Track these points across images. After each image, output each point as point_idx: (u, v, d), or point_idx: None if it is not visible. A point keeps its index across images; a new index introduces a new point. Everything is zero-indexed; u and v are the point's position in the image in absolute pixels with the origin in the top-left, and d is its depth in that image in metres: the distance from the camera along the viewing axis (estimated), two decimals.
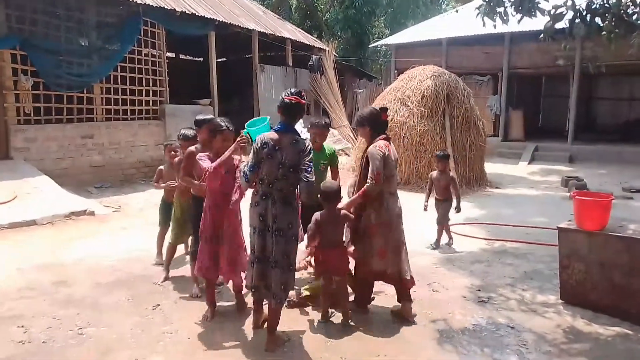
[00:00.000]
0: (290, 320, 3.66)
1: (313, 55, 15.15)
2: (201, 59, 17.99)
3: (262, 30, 13.03)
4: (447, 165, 6.03)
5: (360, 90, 17.48)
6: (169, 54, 12.66)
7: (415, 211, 7.79)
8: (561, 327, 3.65)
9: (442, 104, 9.84)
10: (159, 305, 4.00)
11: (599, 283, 3.86)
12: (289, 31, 14.96)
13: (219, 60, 13.51)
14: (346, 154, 13.18)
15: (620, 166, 12.66)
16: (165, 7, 9.75)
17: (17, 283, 4.45)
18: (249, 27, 12.55)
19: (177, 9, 10.00)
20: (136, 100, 9.95)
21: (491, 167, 11.53)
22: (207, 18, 10.94)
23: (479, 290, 4.42)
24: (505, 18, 5.16)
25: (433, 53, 15.70)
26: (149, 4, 9.31)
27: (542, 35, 4.53)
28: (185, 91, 12.83)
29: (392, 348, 3.31)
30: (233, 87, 14.96)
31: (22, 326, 3.59)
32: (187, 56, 18.23)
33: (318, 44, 15.99)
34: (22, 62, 8.06)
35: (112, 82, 9.43)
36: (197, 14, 10.59)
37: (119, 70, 9.46)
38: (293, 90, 3.50)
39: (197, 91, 13.19)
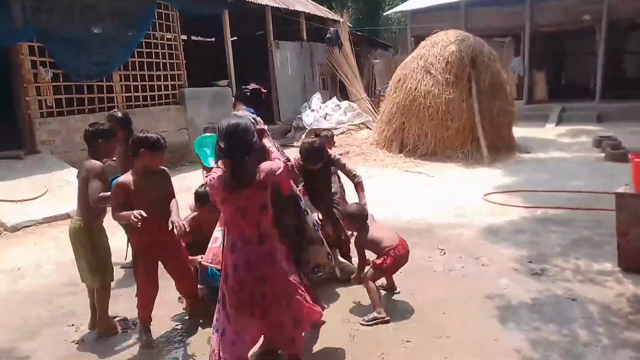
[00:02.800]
0: None
1: (330, 28, 14.76)
2: (213, 39, 17.76)
3: (275, 6, 12.69)
4: None
5: (376, 61, 17.05)
6: (169, 36, 12.46)
7: (451, 182, 7.60)
8: (624, 296, 3.50)
9: (467, 70, 9.49)
10: None
11: None
12: (302, 4, 14.57)
13: (231, 39, 13.25)
14: (367, 127, 12.96)
15: None
16: None
17: (61, 278, 4.44)
18: (262, 3, 12.22)
19: None
20: (155, 86, 9.83)
21: (518, 132, 11.18)
22: None
23: (530, 262, 4.27)
24: None
25: (451, 17, 15.13)
26: None
27: None
28: (200, 73, 12.65)
29: (454, 327, 3.21)
30: (247, 65, 14.72)
31: (73, 324, 3.57)
32: (199, 37, 17.96)
33: (332, 15, 15.57)
34: (40, 54, 7.97)
35: (130, 69, 9.31)
36: None
37: (136, 56, 9.33)
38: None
39: (212, 72, 13.00)
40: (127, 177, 3.03)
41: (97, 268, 3.23)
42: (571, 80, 18.50)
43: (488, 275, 4.03)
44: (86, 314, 3.55)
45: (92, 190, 3.10)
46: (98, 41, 8.64)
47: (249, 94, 3.34)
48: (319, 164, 3.97)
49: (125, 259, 4.18)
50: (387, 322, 3.32)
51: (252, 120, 2.86)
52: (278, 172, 2.53)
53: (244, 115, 3.03)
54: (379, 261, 3.46)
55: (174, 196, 3.18)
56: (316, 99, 13.68)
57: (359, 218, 3.59)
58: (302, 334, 2.80)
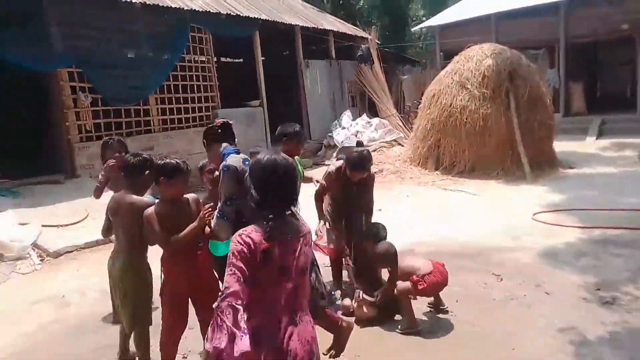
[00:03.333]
0: None
1: (362, 45, 14.72)
2: (241, 60, 17.97)
3: (304, 25, 12.74)
4: None
5: (404, 77, 16.90)
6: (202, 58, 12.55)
7: (494, 200, 7.31)
8: None
9: (505, 84, 9.23)
10: None
11: None
12: (330, 23, 14.61)
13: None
14: (399, 144, 12.76)
15: None
16: (211, 10, 9.63)
17: (106, 307, 4.27)
18: (292, 23, 12.29)
19: (222, 12, 9.86)
20: (189, 108, 9.91)
21: (557, 146, 10.79)
22: (251, 18, 10.76)
23: (598, 289, 3.97)
24: None
25: (481, 30, 14.90)
26: (195, 10, 9.20)
27: None
28: (229, 94, 12.74)
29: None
30: (276, 85, 14.78)
31: None
32: (227, 59, 18.21)
33: (360, 32, 15.54)
34: (79, 80, 8.12)
35: (165, 92, 9.41)
36: (241, 14, 10.42)
37: (171, 80, 9.43)
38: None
39: (241, 93, 13.08)
40: (152, 207, 2.80)
41: (140, 312, 3.00)
42: (606, 91, 17.94)
43: (554, 305, 3.76)
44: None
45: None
46: (134, 65, 8.78)
47: (219, 130, 3.06)
48: (366, 172, 3.84)
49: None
50: (419, 332, 3.42)
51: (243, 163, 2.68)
52: None
53: (229, 154, 2.85)
54: (415, 278, 3.43)
55: None
56: (346, 116, 13.58)
57: (393, 256, 3.62)
58: None
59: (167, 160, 2.79)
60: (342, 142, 12.61)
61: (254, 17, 10.89)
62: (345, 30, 14.84)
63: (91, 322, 4.06)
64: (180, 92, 9.72)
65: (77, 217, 6.77)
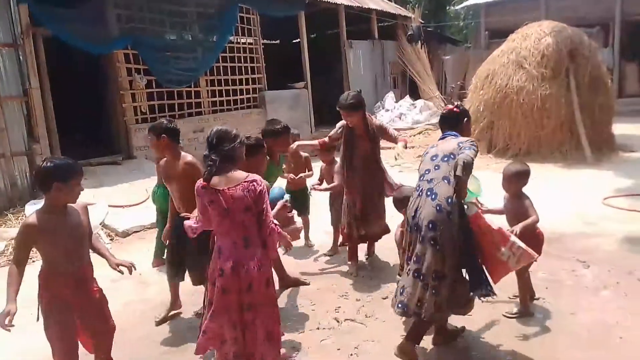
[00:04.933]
0: None
1: (412, 24, 14.38)
2: (278, 41, 17.83)
3: (349, 4, 12.48)
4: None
5: (447, 57, 16.47)
6: (250, 40, 12.55)
7: (554, 185, 7.11)
8: None
9: (565, 63, 8.85)
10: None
11: None
12: (374, 2, 14.28)
13: (296, 40, 13.13)
14: None
15: None
16: None
17: (186, 286, 4.40)
18: (337, 2, 12.05)
19: None
20: (237, 90, 9.90)
21: (614, 128, 10.37)
22: None
23: None
24: None
25: (530, 7, 14.32)
26: None
27: None
28: (273, 76, 12.68)
29: (633, 356, 2.84)
30: (318, 65, 14.62)
31: None
32: (264, 40, 18.10)
33: (403, 12, 15.17)
34: (134, 62, 8.18)
35: (215, 74, 9.41)
36: None
37: (220, 61, 9.41)
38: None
39: (284, 75, 12.99)
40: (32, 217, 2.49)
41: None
42: None
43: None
44: None
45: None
46: (186, 47, 8.81)
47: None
48: (350, 112, 4.07)
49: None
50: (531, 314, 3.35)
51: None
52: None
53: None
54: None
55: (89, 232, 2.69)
56: (390, 98, 13.36)
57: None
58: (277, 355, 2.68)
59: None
60: (387, 124, 12.43)
61: None
62: (390, 10, 14.50)
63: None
64: (229, 74, 9.70)
65: (139, 198, 6.87)
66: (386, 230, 4.42)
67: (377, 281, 4.19)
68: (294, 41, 13.58)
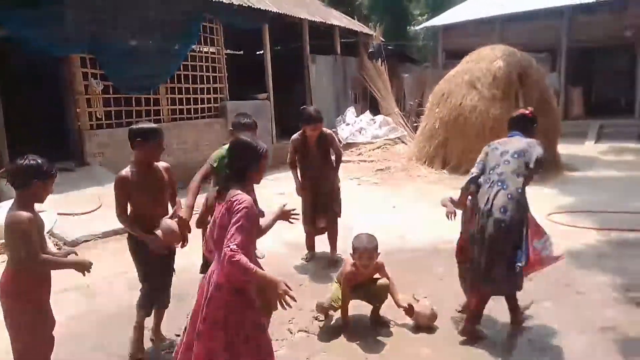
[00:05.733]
0: None
1: (373, 42, 14.73)
2: (241, 52, 17.83)
3: (312, 19, 12.69)
4: None
5: (406, 75, 16.97)
6: (212, 49, 12.41)
7: None
8: None
9: (515, 85, 9.34)
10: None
11: None
12: (337, 18, 14.57)
13: (260, 52, 13.19)
14: (403, 142, 12.82)
15: None
16: (224, 0, 9.52)
17: (135, 297, 4.32)
18: (301, 17, 12.23)
19: (234, 2, 9.77)
20: (199, 99, 9.82)
21: (559, 149, 11.01)
22: (262, 10, 10.68)
23: (627, 290, 4.07)
24: None
25: (485, 32, 15.07)
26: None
27: None
28: (236, 86, 12.65)
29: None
30: (282, 78, 14.71)
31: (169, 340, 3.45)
32: (228, 50, 18.03)
33: (365, 29, 15.55)
34: (91, 66, 7.99)
35: (176, 82, 9.31)
36: (253, 6, 10.33)
37: (181, 69, 9.33)
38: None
39: (247, 86, 13.00)
40: None
41: None
42: (601, 97, 18.27)
43: (589, 305, 3.84)
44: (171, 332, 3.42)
45: None
46: (147, 54, 8.66)
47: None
48: (315, 125, 4.71)
49: None
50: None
51: None
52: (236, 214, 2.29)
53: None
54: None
55: None
56: (350, 112, 13.60)
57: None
58: None
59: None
60: (347, 138, 12.64)
61: (265, 9, 10.81)
62: (352, 26, 14.83)
63: (127, 313, 4.01)
64: (190, 82, 9.62)
65: (91, 206, 6.67)
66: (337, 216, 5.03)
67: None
68: (258, 52, 13.63)
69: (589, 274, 4.45)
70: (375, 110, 14.64)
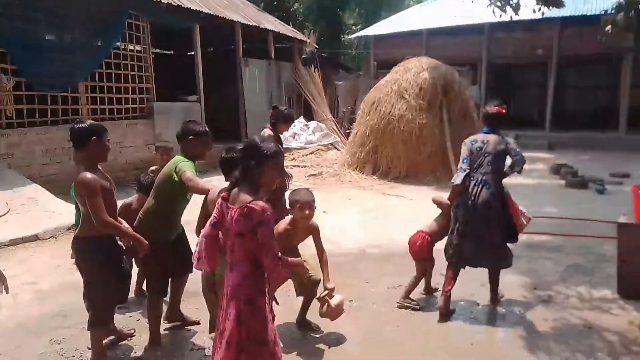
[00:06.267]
0: None
1: (307, 48, 14.82)
2: (172, 52, 17.27)
3: (245, 23, 12.56)
4: None
5: (339, 83, 17.27)
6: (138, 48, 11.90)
7: (426, 206, 7.74)
8: (635, 324, 3.66)
9: (439, 97, 9.81)
10: None
11: None
12: (271, 23, 14.55)
13: (192, 53, 12.86)
14: (336, 148, 13.00)
15: (598, 152, 13.19)
16: None
17: (50, 308, 4.02)
18: (234, 19, 12.07)
19: (162, 0, 9.44)
20: (122, 99, 9.35)
21: None
22: (192, 10, 10.40)
23: (535, 288, 4.39)
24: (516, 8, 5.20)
25: (412, 44, 15.70)
26: None
27: (608, 28, 4.47)
28: (164, 87, 12.21)
29: (481, 356, 3.20)
30: (214, 80, 14.41)
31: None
32: (157, 50, 17.36)
33: (299, 35, 15.65)
34: (1, 61, 7.35)
35: (97, 80, 8.80)
36: (182, 5, 10.04)
37: (104, 67, 8.84)
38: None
39: (178, 87, 12.60)
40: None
41: None
42: (517, 110, 19.71)
43: (502, 304, 4.08)
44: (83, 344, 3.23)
45: None
46: (65, 50, 8.14)
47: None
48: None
49: None
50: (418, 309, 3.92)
51: None
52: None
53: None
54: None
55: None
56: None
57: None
58: None
59: None
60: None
61: (195, 10, 10.55)
62: (286, 32, 14.86)
63: (32, 325, 3.71)
64: (114, 81, 9.13)
65: None
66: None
67: None
68: (190, 53, 13.27)
69: (502, 274, 4.71)
70: (309, 116, 14.76)
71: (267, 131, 4.96)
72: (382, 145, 10.01)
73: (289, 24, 22.22)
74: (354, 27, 24.61)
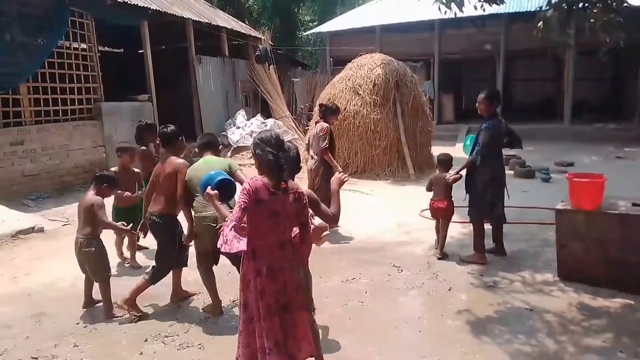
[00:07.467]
0: None
1: (260, 45, 14.68)
2: (121, 50, 16.74)
3: (197, 19, 12.33)
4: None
5: (296, 80, 17.26)
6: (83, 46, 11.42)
7: (386, 199, 7.87)
8: (573, 305, 3.87)
9: (392, 92, 9.98)
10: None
11: (597, 259, 4.13)
12: (224, 19, 14.34)
13: (141, 51, 12.49)
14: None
15: (544, 142, 13.77)
16: None
17: None
18: (184, 16, 11.81)
19: None
20: (68, 100, 8.97)
21: (432, 150, 11.98)
22: (139, 7, 10.10)
23: (481, 275, 4.56)
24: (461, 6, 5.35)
25: (367, 40, 15.88)
26: None
27: (540, 24, 4.64)
28: (113, 87, 11.80)
29: (434, 346, 3.30)
30: (166, 78, 14.06)
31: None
32: (105, 47, 16.76)
33: (254, 32, 15.50)
34: None
35: (40, 81, 8.41)
36: (128, 2, 9.72)
37: (47, 67, 8.45)
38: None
39: (128, 86, 12.22)
40: None
41: None
42: (470, 104, 20.28)
43: (449, 291, 4.22)
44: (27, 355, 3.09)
45: None
46: (4, 49, 7.71)
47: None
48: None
49: None
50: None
51: None
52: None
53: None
54: None
55: None
56: (241, 115, 13.47)
57: None
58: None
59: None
60: (237, 141, 12.47)
61: (143, 6, 10.25)
62: (239, 29, 14.69)
63: None
64: (58, 81, 8.75)
65: None
66: None
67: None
68: (140, 51, 12.88)
69: (451, 264, 4.90)
70: (267, 113, 14.68)
71: (323, 124, 5.86)
72: (340, 140, 10.04)
73: (243, 21, 21.99)
74: (310, 24, 24.63)
